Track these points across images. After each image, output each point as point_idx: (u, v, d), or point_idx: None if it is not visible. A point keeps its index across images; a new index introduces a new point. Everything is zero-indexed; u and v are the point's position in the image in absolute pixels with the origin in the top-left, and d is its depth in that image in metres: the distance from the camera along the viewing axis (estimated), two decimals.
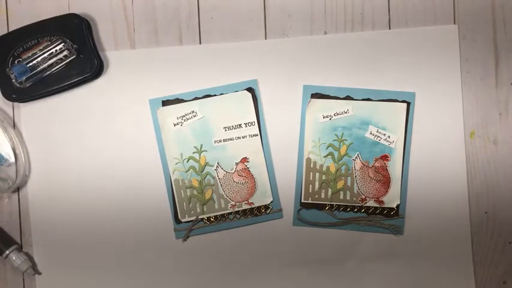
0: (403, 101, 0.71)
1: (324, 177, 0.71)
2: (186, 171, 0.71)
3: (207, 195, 0.72)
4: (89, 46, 0.71)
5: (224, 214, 0.71)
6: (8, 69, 0.70)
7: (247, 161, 0.71)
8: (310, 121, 0.71)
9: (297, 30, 0.72)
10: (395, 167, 0.71)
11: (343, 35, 0.72)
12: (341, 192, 0.71)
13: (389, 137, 0.71)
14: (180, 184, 0.71)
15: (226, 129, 0.71)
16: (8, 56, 0.71)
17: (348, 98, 0.71)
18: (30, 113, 0.73)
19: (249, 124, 0.71)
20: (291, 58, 0.72)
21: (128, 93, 0.72)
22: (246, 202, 0.71)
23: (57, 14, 0.72)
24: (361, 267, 0.71)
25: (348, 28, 0.72)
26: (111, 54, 0.73)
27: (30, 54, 0.70)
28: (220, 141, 0.71)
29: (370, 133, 0.71)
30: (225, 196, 0.71)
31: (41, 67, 0.70)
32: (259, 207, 0.71)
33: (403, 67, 0.71)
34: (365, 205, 0.71)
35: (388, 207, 0.71)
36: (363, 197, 0.71)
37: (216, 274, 0.72)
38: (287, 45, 0.72)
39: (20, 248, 0.72)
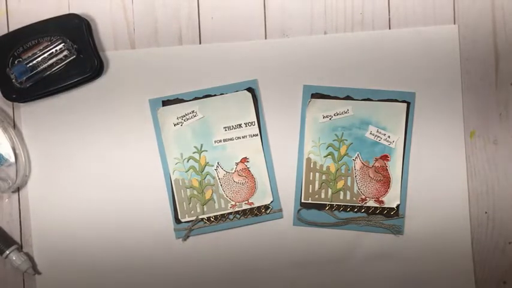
0: (403, 101, 0.71)
1: (324, 177, 0.71)
2: (186, 171, 0.71)
3: (207, 195, 0.71)
4: (89, 46, 0.70)
5: (224, 214, 0.71)
6: (8, 69, 0.70)
7: (247, 161, 0.71)
8: (310, 121, 0.71)
9: (297, 30, 0.72)
10: (395, 167, 0.71)
11: (343, 35, 0.72)
12: (341, 192, 0.71)
13: (389, 137, 0.71)
14: (180, 184, 0.71)
15: (226, 129, 0.71)
16: (8, 56, 0.71)
17: (348, 98, 0.71)
18: (30, 113, 0.73)
19: (249, 124, 0.71)
20: (291, 58, 0.72)
21: (128, 93, 0.72)
22: (246, 202, 0.71)
23: (57, 14, 0.72)
24: (361, 267, 0.71)
25: (348, 28, 0.72)
26: (111, 54, 0.73)
27: (30, 54, 0.70)
28: (220, 141, 0.71)
29: (370, 133, 0.71)
30: (225, 196, 0.71)
31: (41, 67, 0.70)
32: (259, 207, 0.71)
33: (403, 67, 0.71)
34: (365, 205, 0.71)
35: (388, 207, 0.71)
36: (363, 197, 0.71)
37: (216, 274, 0.72)
38: (287, 45, 0.72)
39: (20, 248, 0.72)
